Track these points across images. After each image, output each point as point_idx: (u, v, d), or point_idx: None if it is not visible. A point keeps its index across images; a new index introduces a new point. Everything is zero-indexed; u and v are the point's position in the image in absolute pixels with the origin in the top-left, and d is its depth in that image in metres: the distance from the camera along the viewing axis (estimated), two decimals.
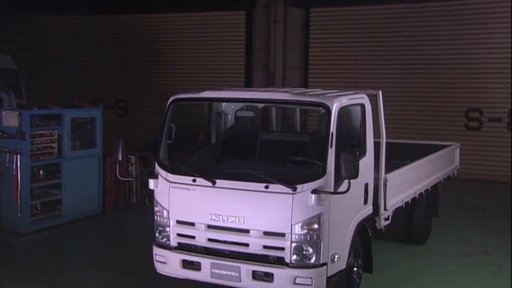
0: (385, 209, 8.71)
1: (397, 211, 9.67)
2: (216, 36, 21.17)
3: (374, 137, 8.41)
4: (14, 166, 11.05)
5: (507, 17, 16.98)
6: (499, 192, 15.74)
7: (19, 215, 11.09)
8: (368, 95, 8.38)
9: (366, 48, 18.92)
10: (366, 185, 8.12)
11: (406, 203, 9.71)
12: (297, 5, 19.94)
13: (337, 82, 18.44)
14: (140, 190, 13.71)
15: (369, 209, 8.30)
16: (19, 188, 11.06)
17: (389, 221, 8.97)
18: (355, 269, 8.05)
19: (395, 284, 9.09)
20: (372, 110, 8.33)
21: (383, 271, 9.41)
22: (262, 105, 9.14)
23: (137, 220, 13.07)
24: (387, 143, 10.88)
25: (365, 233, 8.34)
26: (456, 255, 10.58)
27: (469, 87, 17.98)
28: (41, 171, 11.63)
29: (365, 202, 8.15)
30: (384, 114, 8.64)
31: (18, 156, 11.04)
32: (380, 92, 8.59)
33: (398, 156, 10.10)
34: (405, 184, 9.53)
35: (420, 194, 10.28)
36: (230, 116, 9.08)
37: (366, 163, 8.04)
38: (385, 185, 8.61)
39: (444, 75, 18.18)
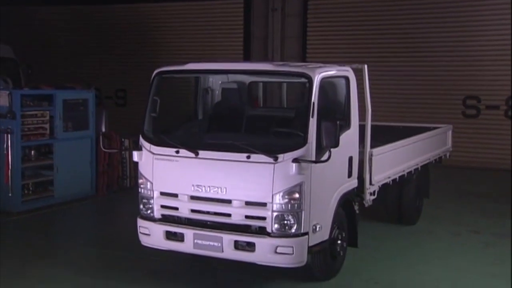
0: (370, 183, 8.70)
1: (385, 188, 9.70)
2: (215, 24, 21.16)
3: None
4: (5, 146, 11.11)
5: (506, 4, 16.92)
6: (496, 179, 15.71)
7: (10, 194, 11.16)
8: (354, 69, 8.38)
9: (364, 35, 18.88)
10: (351, 158, 8.12)
11: (394, 180, 9.71)
12: None
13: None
14: (134, 174, 13.71)
15: (353, 182, 8.29)
16: (9, 167, 11.09)
17: (375, 196, 8.96)
18: (339, 241, 8.06)
19: (382, 260, 9.08)
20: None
21: (370, 248, 9.46)
22: (248, 81, 9.19)
23: (130, 202, 12.91)
24: (380, 126, 10.96)
25: (350, 207, 8.35)
26: (445, 234, 10.58)
27: (467, 75, 17.91)
28: (32, 152, 11.68)
29: (350, 175, 8.15)
30: (370, 88, 8.62)
31: (9, 135, 11.09)
32: (366, 66, 8.59)
33: (390, 138, 10.06)
34: (392, 161, 9.52)
35: (409, 173, 10.26)
36: (217, 92, 9.09)
37: (350, 136, 8.05)
38: (370, 159, 8.60)
39: (441, 62, 18.12)
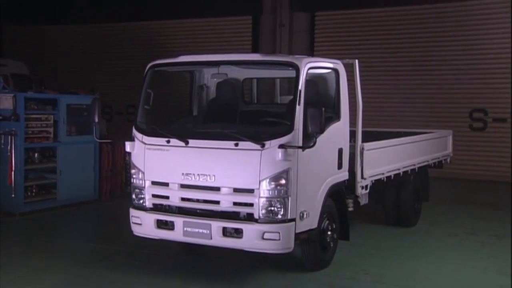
0: (362, 177, 8.76)
1: (382, 188, 9.85)
2: (224, 41, 21.37)
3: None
4: (9, 148, 11.29)
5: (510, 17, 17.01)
6: (502, 191, 15.60)
7: (13, 195, 11.31)
8: (345, 64, 8.52)
9: (370, 50, 18.99)
10: (340, 150, 8.21)
11: (389, 178, 9.75)
12: (302, 10, 20.15)
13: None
14: None
15: (344, 174, 8.37)
16: (13, 169, 11.28)
17: (367, 191, 9.02)
18: (329, 232, 8.12)
19: (376, 255, 9.13)
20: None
21: (365, 246, 9.58)
22: (243, 77, 9.36)
23: None
24: (383, 132, 11.06)
25: (341, 199, 8.41)
26: (443, 235, 10.60)
27: (473, 88, 17.91)
28: (36, 154, 11.86)
29: (340, 167, 8.23)
30: (361, 83, 8.74)
31: (13, 137, 11.28)
32: (356, 61, 8.72)
33: None
34: (386, 157, 9.59)
35: (406, 173, 10.30)
36: (212, 89, 9.26)
37: (339, 128, 8.17)
38: (361, 153, 8.68)
39: (448, 75, 18.16)
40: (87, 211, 12.50)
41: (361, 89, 8.78)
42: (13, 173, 11.31)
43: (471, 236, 10.48)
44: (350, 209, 8.78)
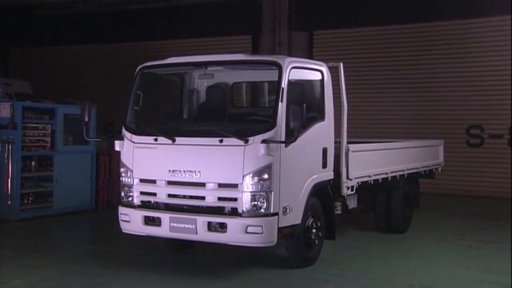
0: (348, 178, 8.91)
1: (373, 194, 10.03)
2: None
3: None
4: (6, 155, 11.51)
5: (507, 35, 17.18)
6: (498, 205, 15.63)
7: (9, 202, 11.50)
8: (330, 67, 8.75)
9: (368, 68, 19.19)
10: (325, 150, 8.38)
11: (377, 181, 9.88)
12: (300, 29, 20.44)
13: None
14: None
15: (329, 174, 8.53)
16: (9, 176, 11.48)
17: (354, 192, 9.17)
18: (314, 230, 8.26)
19: (364, 256, 9.31)
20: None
21: (355, 248, 9.73)
22: (232, 82, 9.58)
23: None
24: (378, 143, 11.27)
25: (327, 199, 8.57)
26: (432, 240, 10.71)
27: (470, 104, 18.01)
28: (33, 163, 12.07)
29: (324, 166, 8.39)
30: (345, 86, 8.95)
31: (10, 145, 11.50)
32: (341, 64, 8.95)
33: None
34: (373, 161, 9.74)
35: (394, 178, 10.43)
36: (202, 93, 9.48)
37: (324, 128, 8.37)
38: (347, 154, 8.84)
39: (444, 92, 18.27)
40: (82, 220, 12.64)
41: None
42: (9, 180, 11.51)
43: (459, 241, 10.59)
44: (338, 211, 8.95)
